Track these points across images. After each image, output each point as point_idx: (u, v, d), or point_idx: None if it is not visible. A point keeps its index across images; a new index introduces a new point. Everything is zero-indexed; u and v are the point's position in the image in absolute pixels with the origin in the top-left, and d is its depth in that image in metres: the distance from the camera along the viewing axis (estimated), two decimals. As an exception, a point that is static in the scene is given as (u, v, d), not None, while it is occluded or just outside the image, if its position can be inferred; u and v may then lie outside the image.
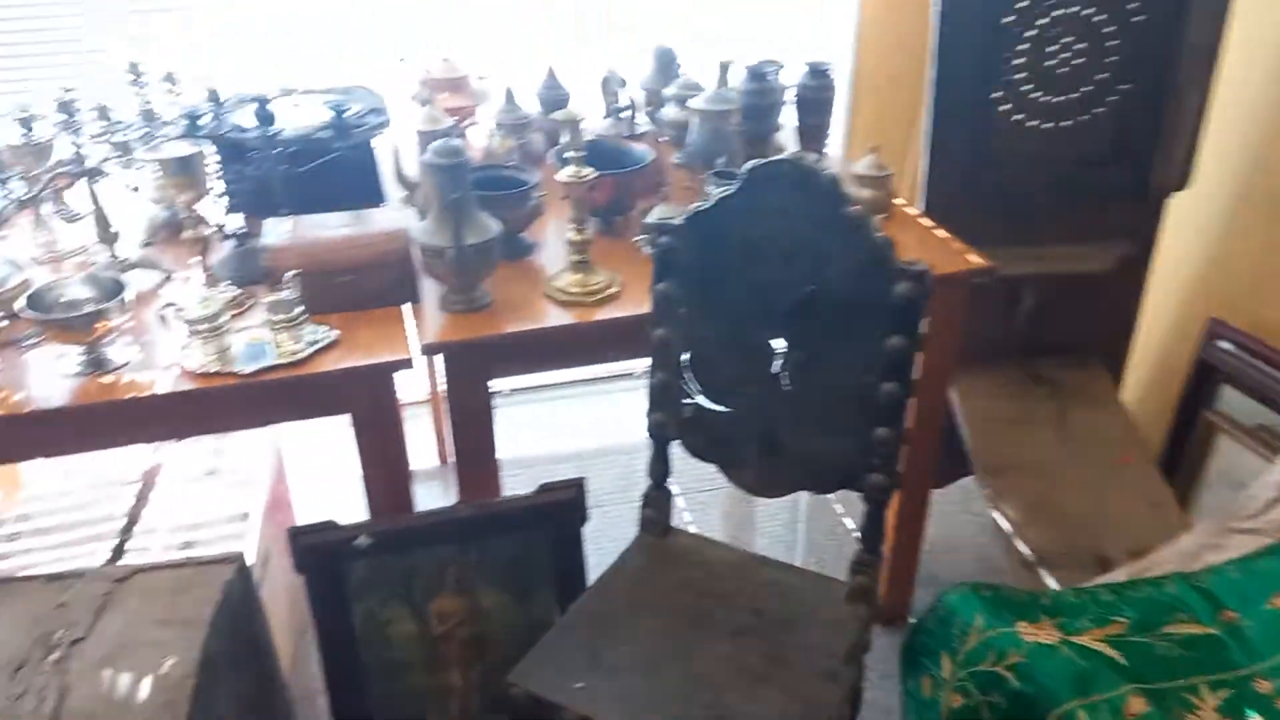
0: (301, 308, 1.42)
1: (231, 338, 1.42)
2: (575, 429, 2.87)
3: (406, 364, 1.43)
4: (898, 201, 1.88)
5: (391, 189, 1.83)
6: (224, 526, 1.83)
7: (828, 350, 1.38)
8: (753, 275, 1.39)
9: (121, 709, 1.08)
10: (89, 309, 1.38)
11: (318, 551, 1.53)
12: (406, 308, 1.56)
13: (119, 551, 1.79)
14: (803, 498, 2.53)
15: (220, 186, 1.60)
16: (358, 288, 1.51)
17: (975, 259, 1.70)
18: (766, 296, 1.39)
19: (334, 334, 1.46)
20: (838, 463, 1.41)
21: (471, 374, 1.54)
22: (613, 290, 1.61)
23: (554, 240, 1.80)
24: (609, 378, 3.00)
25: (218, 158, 1.62)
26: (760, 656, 1.36)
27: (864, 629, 1.42)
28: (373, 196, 1.84)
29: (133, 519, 1.87)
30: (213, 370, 1.37)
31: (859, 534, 1.42)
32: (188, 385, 1.36)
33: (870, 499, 1.40)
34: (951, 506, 2.49)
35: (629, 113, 2.06)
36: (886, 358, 1.31)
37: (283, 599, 1.93)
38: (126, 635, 1.18)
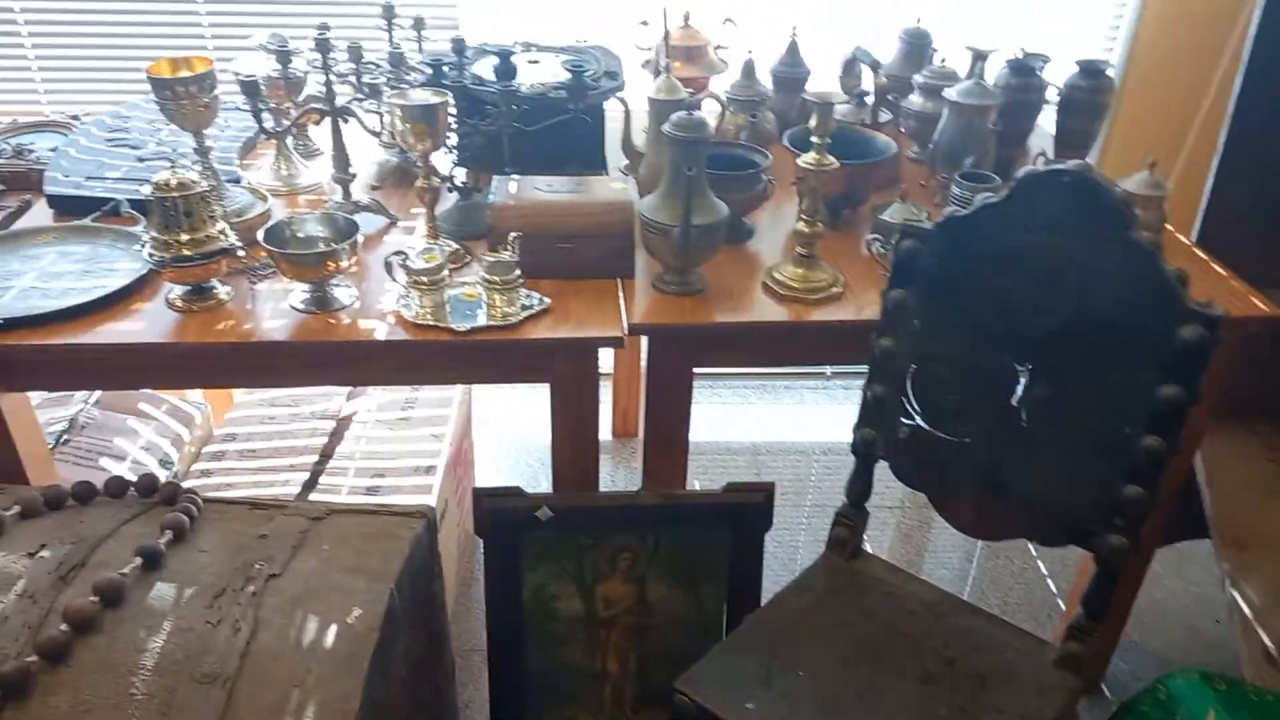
0: (518, 271, 1.39)
1: (449, 292, 1.41)
2: (755, 421, 2.78)
3: (617, 341, 1.38)
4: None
5: (613, 156, 1.78)
6: (409, 477, 1.85)
7: (1080, 388, 1.22)
8: (1003, 293, 1.25)
9: (307, 654, 1.08)
10: (322, 247, 1.40)
11: (500, 517, 1.51)
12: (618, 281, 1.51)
13: (311, 485, 1.85)
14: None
15: (453, 138, 1.59)
16: (575, 256, 1.47)
17: (1261, 304, 1.48)
18: (1016, 318, 1.25)
19: (546, 301, 1.42)
20: (1071, 515, 1.26)
21: (676, 359, 1.47)
22: (835, 289, 1.50)
23: (772, 227, 1.70)
24: (797, 374, 2.89)
25: (453, 109, 1.62)
26: (950, 710, 1.24)
27: (1071, 701, 1.27)
28: (595, 162, 1.79)
29: (326, 454, 1.92)
30: (427, 323, 1.37)
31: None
32: (402, 335, 1.36)
33: (1104, 561, 1.24)
34: (1163, 568, 2.25)
35: (872, 98, 1.92)
36: (1155, 408, 1.14)
37: (452, 551, 1.95)
38: (318, 578, 1.19)
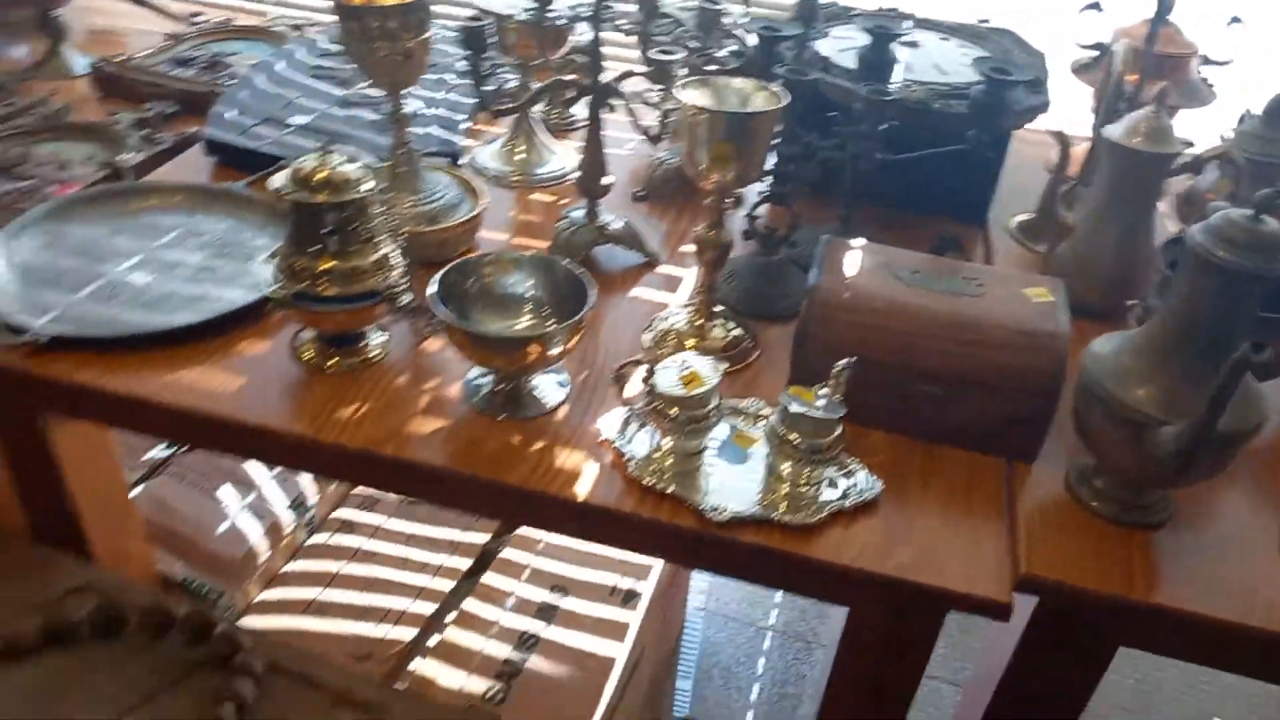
0: (839, 430, 0.78)
1: (709, 437, 0.82)
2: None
3: (996, 611, 0.74)
4: None
5: (1006, 222, 1.12)
6: (601, 604, 1.32)
7: None
8: None
9: None
10: (525, 321, 0.85)
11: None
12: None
13: (474, 574, 1.35)
14: None
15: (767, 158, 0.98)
16: (943, 409, 0.84)
17: None
18: None
19: (875, 484, 0.80)
20: None
21: (1081, 636, 0.81)
22: None
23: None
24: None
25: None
26: None
27: None
28: (974, 217, 1.14)
29: (484, 558, 1.41)
30: (661, 488, 0.79)
31: None
32: (616, 499, 0.80)
33: None
34: None
35: None
36: None
37: (634, 705, 1.40)
38: None
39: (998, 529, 0.79)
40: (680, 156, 0.86)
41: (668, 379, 0.79)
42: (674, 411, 0.79)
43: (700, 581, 1.86)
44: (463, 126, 1.29)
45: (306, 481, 1.41)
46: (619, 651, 1.33)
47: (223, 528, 1.30)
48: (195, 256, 1.03)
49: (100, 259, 1.01)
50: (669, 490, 0.79)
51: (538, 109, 1.25)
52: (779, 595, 1.84)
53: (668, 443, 0.81)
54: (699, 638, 1.78)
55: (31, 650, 0.81)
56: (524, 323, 0.89)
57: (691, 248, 0.92)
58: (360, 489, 1.47)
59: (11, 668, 0.80)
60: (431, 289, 0.84)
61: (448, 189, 1.07)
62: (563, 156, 1.25)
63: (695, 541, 0.78)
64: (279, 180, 0.84)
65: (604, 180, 1.02)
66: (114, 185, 1.10)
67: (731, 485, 0.80)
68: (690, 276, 1.07)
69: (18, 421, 0.96)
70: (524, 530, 1.44)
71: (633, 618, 1.37)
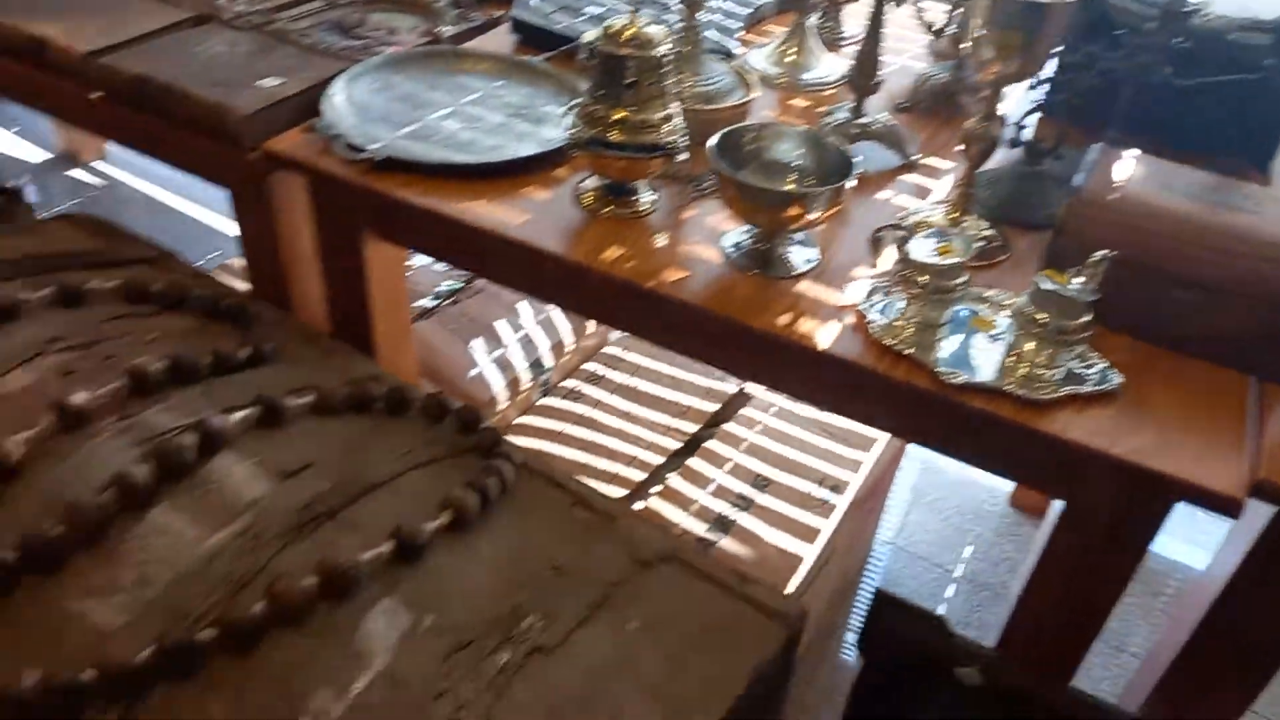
0: (1087, 316, 0.80)
1: (953, 309, 0.86)
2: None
3: (1226, 505, 0.74)
4: None
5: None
6: (796, 507, 1.37)
7: None
8: None
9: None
10: (791, 184, 0.92)
11: (903, 649, 0.99)
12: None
13: (674, 463, 1.44)
14: None
15: (1045, 68, 0.99)
16: (1197, 317, 0.84)
17: None
18: None
19: (1113, 379, 0.82)
20: None
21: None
22: None
23: None
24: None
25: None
26: None
27: None
28: (1262, 156, 1.10)
29: (712, 424, 1.50)
30: (899, 348, 0.84)
31: None
32: (854, 354, 0.85)
33: None
34: None
35: None
36: None
37: (815, 609, 1.45)
38: (598, 681, 0.77)
39: (1237, 436, 0.79)
40: (949, 71, 0.89)
41: (922, 246, 0.84)
42: (923, 279, 0.83)
43: (892, 517, 1.89)
44: (736, 34, 1.36)
45: (545, 349, 1.55)
46: (808, 552, 1.39)
47: (472, 373, 1.46)
48: (496, 115, 1.16)
49: (419, 106, 1.16)
50: (907, 352, 0.84)
51: (813, 18, 1.31)
52: (969, 548, 1.84)
53: (912, 311, 0.86)
54: (883, 569, 1.81)
55: (338, 410, 0.97)
56: (789, 185, 0.96)
57: (945, 162, 0.95)
58: (589, 365, 1.59)
59: (325, 419, 0.96)
60: (712, 142, 0.92)
61: (723, 76, 1.15)
62: (830, 65, 1.30)
63: (926, 403, 0.83)
64: (591, 34, 0.95)
65: (876, 76, 1.06)
66: (435, 47, 1.26)
67: (968, 359, 0.84)
68: (942, 188, 1.10)
69: (343, 234, 1.12)
70: (732, 426, 1.51)
71: (825, 525, 1.42)
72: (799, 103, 1.27)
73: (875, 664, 1.02)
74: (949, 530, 1.88)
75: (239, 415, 0.90)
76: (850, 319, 0.89)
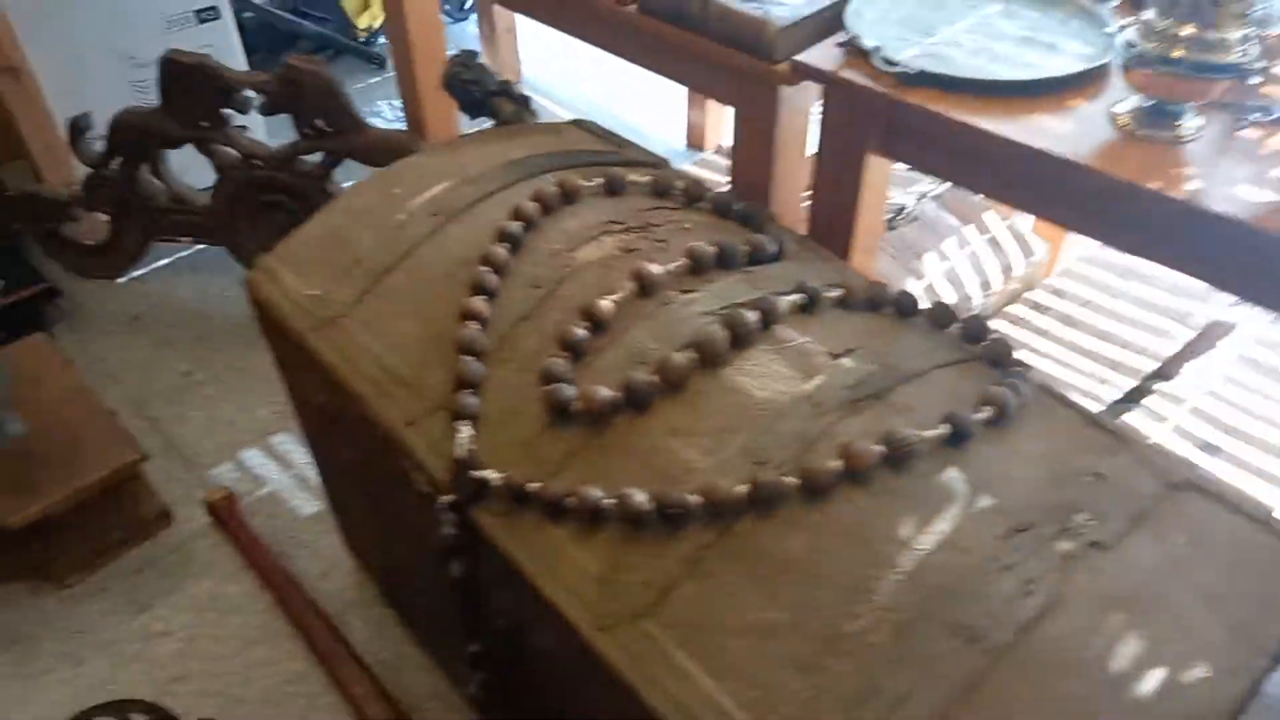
0: None
1: None
2: None
3: None
4: None
5: None
6: (1259, 455, 1.30)
7: None
8: None
9: (1108, 683, 0.71)
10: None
11: None
12: None
13: (1132, 399, 1.41)
14: None
15: None
16: None
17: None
18: None
19: None
20: None
21: None
22: None
23: None
24: None
25: None
26: None
27: None
28: None
29: (1164, 373, 1.45)
30: None
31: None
32: None
33: None
34: None
35: None
36: None
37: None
38: (1158, 586, 0.79)
39: None
40: None
41: None
42: None
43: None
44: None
45: (994, 272, 1.55)
46: None
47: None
48: (1014, 33, 1.16)
49: (936, 24, 1.19)
50: None
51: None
52: None
53: None
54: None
55: (858, 306, 1.04)
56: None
57: None
58: (1032, 293, 1.58)
59: (849, 313, 1.03)
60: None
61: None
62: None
63: None
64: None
65: None
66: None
67: None
68: None
69: (848, 148, 1.19)
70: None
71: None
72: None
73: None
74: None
75: (788, 299, 0.99)
76: None
